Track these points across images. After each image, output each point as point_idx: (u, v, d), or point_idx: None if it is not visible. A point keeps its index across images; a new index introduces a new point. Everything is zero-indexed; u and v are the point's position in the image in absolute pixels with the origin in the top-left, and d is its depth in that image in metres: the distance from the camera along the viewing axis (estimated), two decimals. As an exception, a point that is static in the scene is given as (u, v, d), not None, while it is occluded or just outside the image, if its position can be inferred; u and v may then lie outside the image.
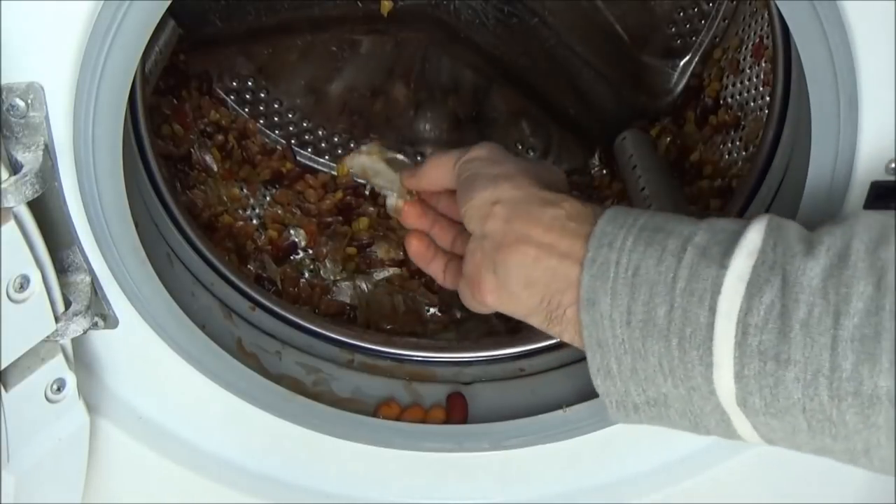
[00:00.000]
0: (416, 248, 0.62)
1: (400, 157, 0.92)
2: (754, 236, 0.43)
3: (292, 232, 0.93)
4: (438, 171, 0.58)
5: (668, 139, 0.94)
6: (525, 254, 0.48)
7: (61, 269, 0.53)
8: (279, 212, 0.94)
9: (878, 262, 0.40)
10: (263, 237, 0.92)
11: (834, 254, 0.41)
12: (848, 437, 0.40)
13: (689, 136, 0.92)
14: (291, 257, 0.92)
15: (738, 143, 0.84)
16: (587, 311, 0.45)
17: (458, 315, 0.90)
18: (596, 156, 1.02)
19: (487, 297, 0.50)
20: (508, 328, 0.86)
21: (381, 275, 0.93)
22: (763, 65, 0.82)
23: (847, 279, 0.40)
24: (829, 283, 0.40)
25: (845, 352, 0.39)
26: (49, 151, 0.48)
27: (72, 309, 0.53)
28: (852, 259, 0.40)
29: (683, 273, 0.43)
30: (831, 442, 0.41)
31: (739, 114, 0.85)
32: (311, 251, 0.93)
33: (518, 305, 0.49)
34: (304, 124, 1.00)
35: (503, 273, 0.49)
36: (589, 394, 0.65)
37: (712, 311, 0.41)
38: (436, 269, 0.62)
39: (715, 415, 0.44)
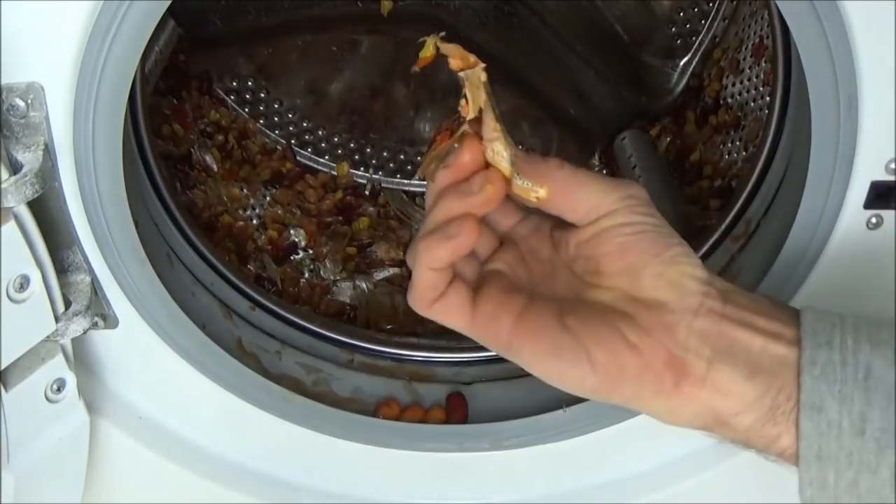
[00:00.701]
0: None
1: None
2: None
3: (292, 232, 0.93)
4: (593, 194, 0.42)
5: (668, 139, 0.94)
6: (750, 341, 0.40)
7: (61, 269, 0.53)
8: (279, 212, 0.94)
9: None
10: (263, 237, 0.92)
11: None
12: None
13: (688, 136, 0.92)
14: (291, 257, 0.92)
15: (738, 143, 0.84)
16: (810, 418, 0.39)
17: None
18: (596, 156, 1.02)
19: (687, 389, 0.40)
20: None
21: (381, 275, 0.93)
22: (763, 65, 0.82)
23: None
24: None
25: None
26: (49, 151, 0.48)
27: (72, 309, 0.53)
28: None
29: None
30: None
31: (739, 114, 0.85)
32: (311, 251, 0.93)
33: (728, 401, 0.41)
34: (305, 124, 1.00)
35: (721, 361, 0.40)
36: (589, 394, 0.65)
37: None
38: (461, 297, 0.42)
39: None
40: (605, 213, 0.42)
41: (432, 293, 0.42)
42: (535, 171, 0.43)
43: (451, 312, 0.42)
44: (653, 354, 0.40)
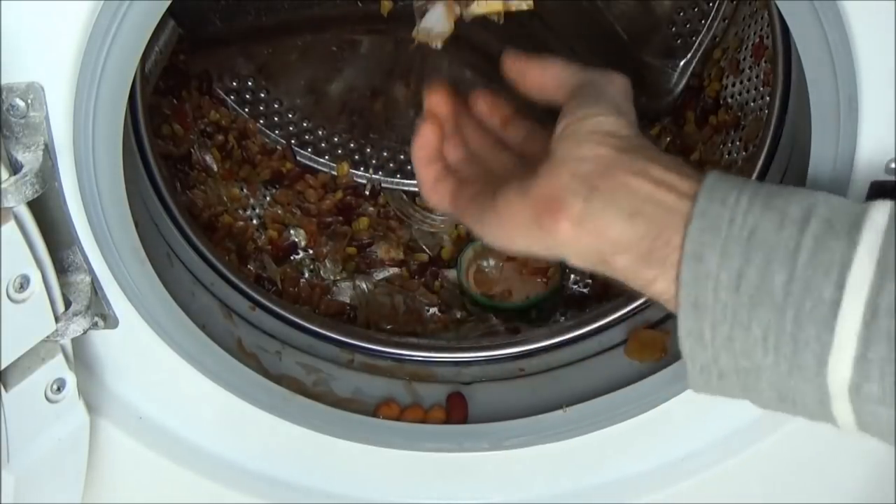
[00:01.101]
0: (426, 140, 0.52)
1: None
2: (879, 216, 0.39)
3: (292, 232, 0.93)
4: (557, 74, 0.51)
5: (668, 139, 0.94)
6: (639, 186, 0.43)
7: (61, 269, 0.53)
8: (279, 212, 0.94)
9: None
10: (263, 237, 0.92)
11: None
12: None
13: (689, 136, 0.92)
14: (291, 257, 0.92)
15: (738, 143, 0.84)
16: (690, 266, 0.41)
17: (458, 315, 0.90)
18: (596, 156, 1.02)
19: (563, 224, 0.43)
20: (508, 328, 0.86)
21: (381, 275, 0.93)
22: (763, 65, 0.82)
23: None
24: None
25: None
26: (49, 151, 0.48)
27: (72, 309, 0.53)
28: None
29: (808, 243, 0.39)
30: None
31: (739, 114, 0.85)
32: (311, 251, 0.93)
33: (606, 239, 0.43)
34: (304, 124, 1.00)
35: (602, 200, 0.43)
36: (589, 394, 0.65)
37: (840, 287, 0.38)
38: (432, 174, 0.52)
39: (814, 396, 0.40)
40: (561, 93, 0.50)
41: (427, 158, 0.52)
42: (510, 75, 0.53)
43: (433, 197, 0.52)
44: (534, 198, 0.44)
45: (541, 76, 0.52)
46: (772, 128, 0.65)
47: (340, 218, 0.96)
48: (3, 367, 0.49)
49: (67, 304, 0.53)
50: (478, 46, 0.94)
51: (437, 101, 0.54)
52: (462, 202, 0.50)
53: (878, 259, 0.38)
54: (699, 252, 0.40)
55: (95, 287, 0.55)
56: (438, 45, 0.53)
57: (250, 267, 0.87)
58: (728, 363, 0.42)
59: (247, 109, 0.98)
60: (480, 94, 0.56)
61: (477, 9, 0.46)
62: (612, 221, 0.43)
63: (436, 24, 0.52)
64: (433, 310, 0.91)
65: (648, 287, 0.44)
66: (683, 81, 0.95)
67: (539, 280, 0.89)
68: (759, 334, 0.40)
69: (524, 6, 0.45)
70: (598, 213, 0.43)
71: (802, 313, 0.39)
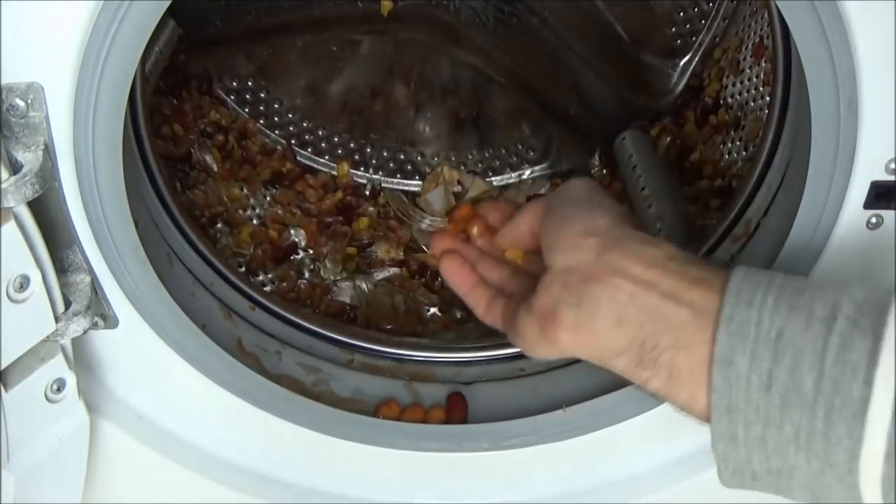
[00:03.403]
0: (450, 266, 0.56)
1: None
2: None
3: (292, 232, 0.93)
4: (531, 221, 0.53)
5: (668, 139, 0.94)
6: (620, 288, 0.44)
7: (61, 269, 0.53)
8: (279, 212, 0.94)
9: None
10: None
11: None
12: None
13: (689, 135, 0.92)
14: (292, 257, 0.92)
15: (738, 142, 0.84)
16: (722, 371, 0.41)
17: (458, 315, 0.90)
18: (596, 156, 1.02)
19: (562, 335, 0.46)
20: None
21: (381, 275, 0.93)
22: (763, 65, 0.82)
23: None
24: None
25: None
26: (49, 151, 0.48)
27: (72, 309, 0.53)
28: None
29: (835, 341, 0.40)
30: None
31: (739, 114, 0.85)
32: (311, 251, 0.93)
33: (601, 345, 0.45)
34: (305, 124, 1.00)
35: (589, 308, 0.45)
36: (589, 394, 0.65)
37: (868, 384, 0.39)
38: (478, 298, 0.56)
39: (844, 493, 0.41)
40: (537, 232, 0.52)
41: (464, 282, 0.56)
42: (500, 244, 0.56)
43: (478, 305, 0.56)
44: (536, 312, 0.47)
45: (511, 235, 0.55)
46: (772, 128, 0.65)
47: (340, 218, 0.96)
48: (3, 367, 0.49)
49: (67, 304, 0.53)
50: (478, 46, 0.94)
51: (448, 257, 0.57)
52: (506, 321, 0.53)
53: None
54: (729, 357, 0.41)
55: (95, 287, 0.55)
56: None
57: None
58: (761, 463, 0.42)
59: (247, 109, 0.98)
60: (482, 216, 0.59)
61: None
62: (601, 329, 0.45)
63: (435, 201, 0.62)
64: (433, 310, 0.91)
65: (646, 385, 0.45)
66: (683, 81, 0.95)
67: None
68: (790, 433, 0.40)
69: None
70: (587, 321, 0.45)
71: (833, 412, 0.39)
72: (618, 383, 0.65)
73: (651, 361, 0.44)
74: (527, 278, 0.54)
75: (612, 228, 0.47)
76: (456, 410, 0.68)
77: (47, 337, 0.52)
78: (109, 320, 0.56)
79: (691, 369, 0.43)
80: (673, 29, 0.94)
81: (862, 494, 0.40)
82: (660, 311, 0.43)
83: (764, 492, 0.44)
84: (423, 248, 0.96)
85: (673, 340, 0.43)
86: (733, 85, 0.87)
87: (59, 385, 0.54)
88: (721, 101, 0.89)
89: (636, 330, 0.44)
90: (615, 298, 0.44)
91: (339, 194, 0.99)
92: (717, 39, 0.93)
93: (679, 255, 0.45)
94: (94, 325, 0.55)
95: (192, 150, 0.89)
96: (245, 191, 0.93)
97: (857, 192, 0.52)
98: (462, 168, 1.03)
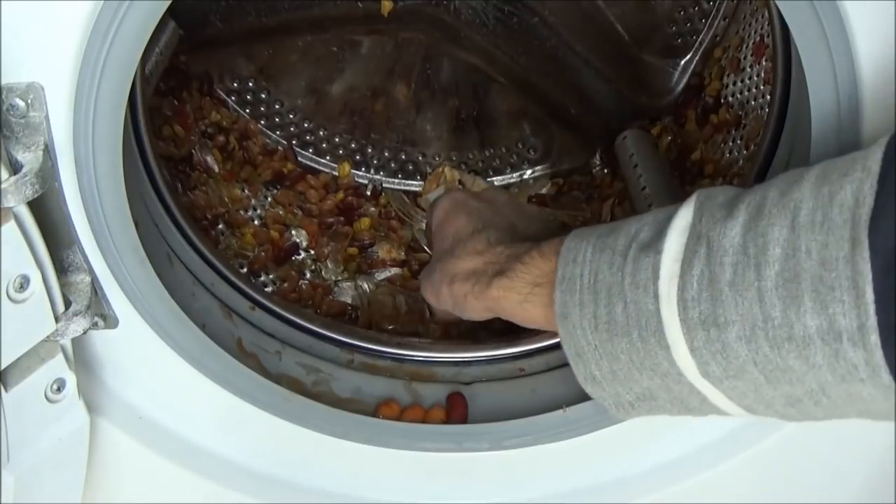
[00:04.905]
0: None
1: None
2: (685, 213, 0.44)
3: (293, 232, 0.93)
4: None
5: (669, 138, 0.93)
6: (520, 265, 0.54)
7: (61, 269, 0.53)
8: (280, 212, 0.94)
9: (789, 202, 0.40)
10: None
11: (752, 208, 0.41)
12: (802, 381, 0.40)
13: (689, 135, 0.92)
14: (293, 258, 0.92)
15: (738, 141, 0.84)
16: (562, 324, 0.47)
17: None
18: (597, 155, 1.02)
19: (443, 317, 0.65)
20: (510, 328, 0.86)
21: (382, 275, 0.93)
22: (764, 63, 0.82)
23: (763, 229, 0.40)
24: (748, 238, 0.40)
25: (772, 300, 0.39)
26: (49, 151, 0.48)
27: (72, 309, 0.53)
28: (767, 207, 0.40)
29: (629, 268, 0.44)
30: (791, 388, 0.41)
31: (740, 113, 0.85)
32: (312, 252, 0.93)
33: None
34: (305, 125, 1.00)
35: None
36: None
37: (656, 297, 0.43)
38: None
39: (693, 394, 0.45)
40: None
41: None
42: None
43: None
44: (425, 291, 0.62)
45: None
46: (772, 127, 0.65)
47: (342, 218, 0.96)
48: (3, 367, 0.49)
49: (67, 304, 0.53)
50: (478, 46, 0.94)
51: None
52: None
53: (682, 258, 0.42)
54: (565, 311, 0.47)
55: (95, 287, 0.55)
56: None
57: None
58: (627, 393, 0.47)
59: (248, 110, 0.98)
60: None
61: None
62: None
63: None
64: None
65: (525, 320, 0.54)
66: (684, 80, 0.95)
67: None
68: (626, 360, 0.45)
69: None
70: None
71: (642, 329, 0.44)
72: (618, 383, 0.65)
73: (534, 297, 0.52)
74: None
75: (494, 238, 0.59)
76: (456, 410, 0.68)
77: (47, 337, 0.52)
78: (109, 320, 0.56)
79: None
80: (673, 28, 0.94)
81: (698, 388, 0.44)
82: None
83: (652, 415, 0.49)
84: (425, 248, 0.96)
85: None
86: (734, 84, 0.87)
87: (59, 385, 0.54)
88: (722, 100, 0.89)
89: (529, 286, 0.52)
90: (515, 272, 0.53)
91: (341, 195, 0.99)
92: (718, 38, 0.92)
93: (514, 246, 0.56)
94: (94, 325, 0.55)
95: (193, 151, 0.89)
96: (246, 191, 0.93)
97: (857, 191, 0.51)
98: (463, 168, 1.03)
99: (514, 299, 0.53)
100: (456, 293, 0.57)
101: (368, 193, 1.01)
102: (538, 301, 0.51)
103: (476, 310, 0.57)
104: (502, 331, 0.84)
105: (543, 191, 1.02)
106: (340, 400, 0.68)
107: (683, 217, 0.44)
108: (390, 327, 0.86)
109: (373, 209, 0.99)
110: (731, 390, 0.43)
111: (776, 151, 0.64)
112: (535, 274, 0.52)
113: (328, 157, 1.02)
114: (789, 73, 0.63)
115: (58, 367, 0.54)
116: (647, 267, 0.44)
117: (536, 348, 0.72)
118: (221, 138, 0.94)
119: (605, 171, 1.00)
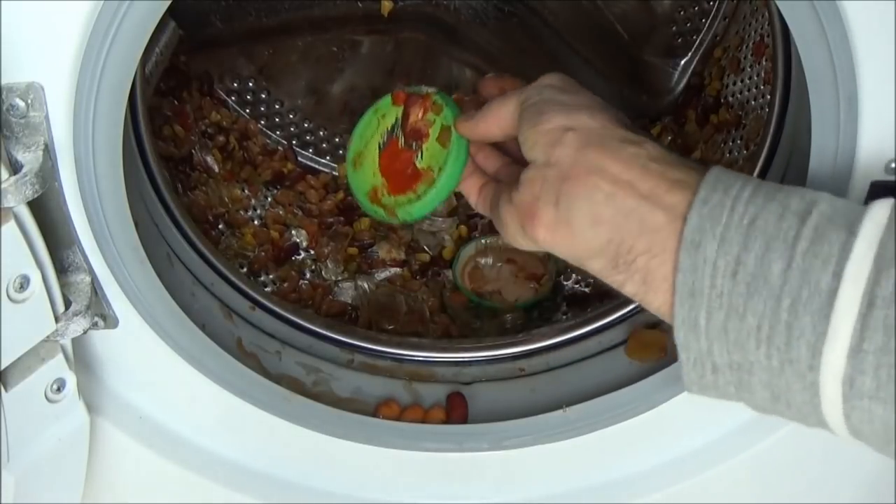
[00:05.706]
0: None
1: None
2: (880, 212, 0.39)
3: (293, 232, 0.93)
4: (503, 113, 0.51)
5: (669, 138, 0.93)
6: (597, 188, 0.43)
7: (61, 269, 0.53)
8: (280, 212, 0.94)
9: None
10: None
11: None
12: None
13: (690, 135, 0.92)
14: (293, 258, 0.92)
15: (738, 141, 0.84)
16: (689, 253, 0.40)
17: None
18: (597, 156, 1.02)
19: (540, 232, 0.45)
20: (511, 328, 0.86)
21: (382, 275, 0.93)
22: (764, 63, 0.82)
23: None
24: None
25: None
26: (49, 151, 0.48)
27: (72, 309, 0.53)
28: None
29: (807, 233, 0.39)
30: None
31: (740, 112, 0.85)
32: (312, 252, 0.93)
33: (578, 245, 0.44)
34: (306, 125, 1.00)
35: (567, 206, 0.44)
36: (589, 394, 0.65)
37: (837, 276, 0.37)
38: (471, 185, 0.56)
39: (804, 394, 0.39)
40: (514, 124, 0.50)
41: (469, 193, 0.57)
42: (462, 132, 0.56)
43: (470, 193, 0.57)
44: (517, 207, 0.47)
45: (486, 126, 0.53)
46: (772, 127, 0.65)
47: (342, 218, 0.96)
48: (3, 367, 0.49)
49: (67, 304, 0.53)
50: (478, 46, 0.94)
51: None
52: (493, 209, 0.52)
53: (876, 251, 0.38)
54: (698, 239, 0.40)
55: (95, 287, 0.55)
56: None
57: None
58: (721, 355, 0.41)
59: (248, 110, 0.98)
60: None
61: None
62: (578, 229, 0.44)
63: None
64: (435, 309, 0.91)
65: (621, 289, 0.45)
66: (684, 80, 0.95)
67: (531, 286, 0.90)
68: (753, 324, 0.39)
69: None
70: (565, 220, 0.44)
71: (798, 302, 0.38)
72: (618, 383, 0.65)
73: (626, 265, 0.43)
74: (519, 168, 0.53)
75: (591, 123, 0.46)
76: (456, 410, 0.68)
77: (47, 337, 0.52)
78: (109, 320, 0.56)
79: (665, 275, 0.42)
80: (673, 28, 0.94)
81: (821, 395, 0.39)
82: (636, 213, 0.42)
83: (726, 395, 0.43)
84: (424, 248, 0.96)
85: (648, 245, 0.42)
86: (734, 84, 0.87)
87: (59, 385, 0.54)
88: (722, 100, 0.89)
89: (612, 231, 0.43)
90: (592, 198, 0.43)
91: (341, 195, 0.99)
92: (718, 38, 0.92)
93: (662, 156, 0.44)
94: (94, 325, 0.55)
95: (193, 152, 0.89)
96: (246, 191, 0.93)
97: (857, 191, 0.51)
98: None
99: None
100: (591, 161, 0.44)
101: (368, 193, 1.01)
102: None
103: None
104: (502, 331, 0.85)
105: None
106: (340, 400, 0.68)
107: (880, 211, 0.39)
108: (390, 327, 0.86)
109: (373, 209, 0.99)
110: (861, 411, 0.38)
111: (776, 151, 0.64)
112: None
113: (328, 157, 1.02)
114: (789, 73, 0.63)
115: (58, 367, 0.54)
116: (834, 241, 0.38)
117: (536, 348, 0.72)
118: (221, 138, 0.94)
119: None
